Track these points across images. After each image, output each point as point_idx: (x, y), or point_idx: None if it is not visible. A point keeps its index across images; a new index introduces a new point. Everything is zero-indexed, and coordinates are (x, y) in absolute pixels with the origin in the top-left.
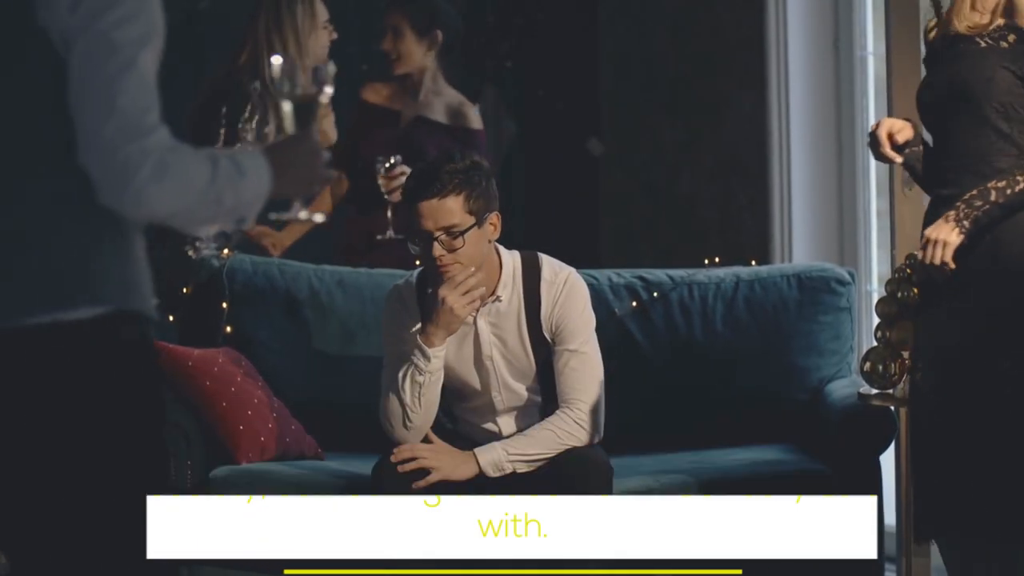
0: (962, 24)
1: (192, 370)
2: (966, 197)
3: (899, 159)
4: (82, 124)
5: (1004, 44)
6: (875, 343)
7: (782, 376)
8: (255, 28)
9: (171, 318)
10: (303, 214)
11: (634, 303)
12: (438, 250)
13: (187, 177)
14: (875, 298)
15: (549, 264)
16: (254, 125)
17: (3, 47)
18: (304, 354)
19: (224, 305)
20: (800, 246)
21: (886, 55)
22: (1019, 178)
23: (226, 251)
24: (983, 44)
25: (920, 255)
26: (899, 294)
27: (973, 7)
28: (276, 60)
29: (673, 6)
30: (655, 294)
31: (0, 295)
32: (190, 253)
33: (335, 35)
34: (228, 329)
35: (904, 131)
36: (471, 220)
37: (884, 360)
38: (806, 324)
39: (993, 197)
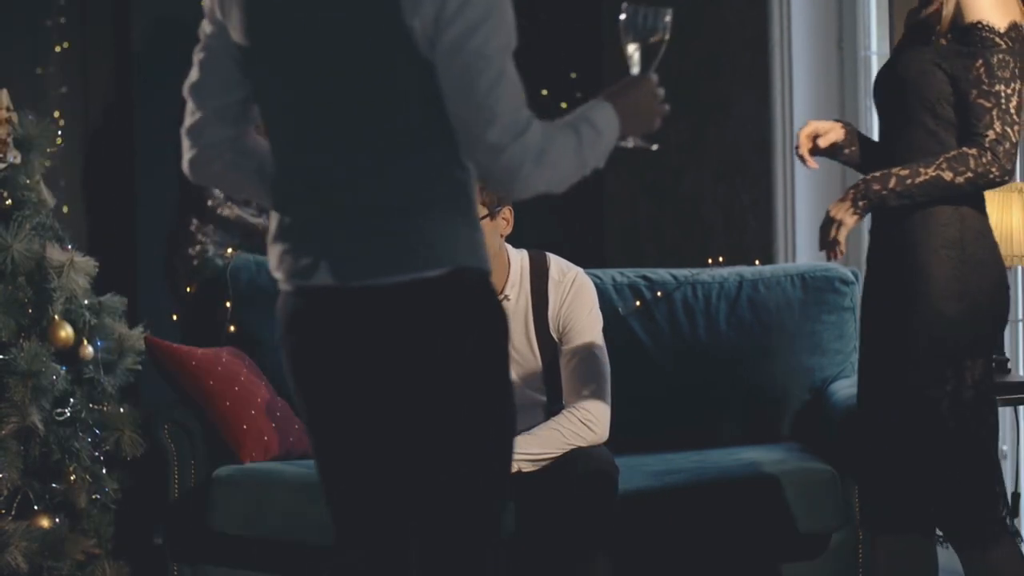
0: (911, 19)
1: (196, 369)
2: (867, 178)
3: (813, 165)
4: (466, 129)
5: (943, 41)
6: None
7: (785, 376)
8: None
9: (175, 317)
10: (629, 143)
11: (638, 303)
12: None
13: (560, 156)
14: None
15: (557, 264)
16: None
17: (374, 42)
18: None
19: (228, 304)
20: (803, 246)
21: (890, 55)
22: (921, 170)
23: (230, 250)
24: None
25: (821, 226)
26: None
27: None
28: (625, 6)
29: (677, 6)
30: (659, 294)
31: (382, 256)
32: (193, 253)
33: None
34: (232, 328)
35: (831, 133)
36: (483, 211)
37: None
38: (809, 324)
39: (892, 184)
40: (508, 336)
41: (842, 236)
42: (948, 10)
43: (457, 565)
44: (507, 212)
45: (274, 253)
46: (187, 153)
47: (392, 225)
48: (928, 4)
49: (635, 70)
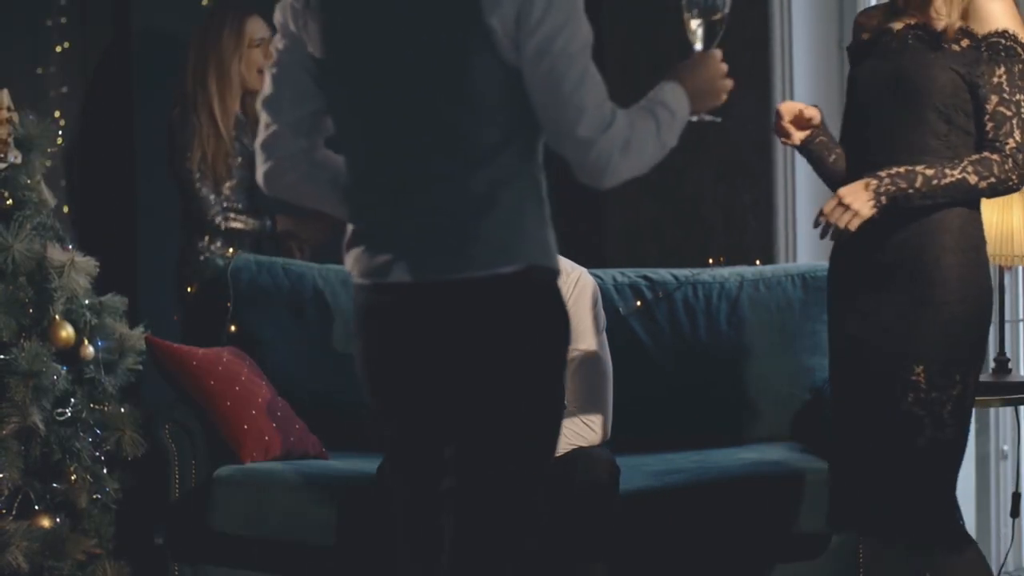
0: (940, 22)
1: (196, 369)
2: (892, 171)
3: (798, 137)
4: (555, 126)
5: (956, 47)
6: None
7: (786, 376)
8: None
9: (176, 317)
10: (694, 117)
11: (639, 303)
12: None
13: (643, 142)
14: None
15: (561, 263)
16: None
17: (453, 44)
18: (308, 353)
19: (229, 304)
20: (804, 246)
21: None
22: (947, 172)
23: (231, 250)
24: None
25: (827, 209)
26: None
27: (937, 8)
28: None
29: (678, 6)
30: (660, 294)
31: (455, 253)
32: (195, 253)
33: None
34: (233, 328)
35: (812, 111)
36: None
37: None
38: (810, 324)
39: (919, 183)
40: (570, 333)
41: (854, 226)
42: (954, 18)
43: (497, 540)
44: None
45: (350, 257)
46: (262, 166)
47: (465, 224)
48: (902, 13)
49: (698, 46)
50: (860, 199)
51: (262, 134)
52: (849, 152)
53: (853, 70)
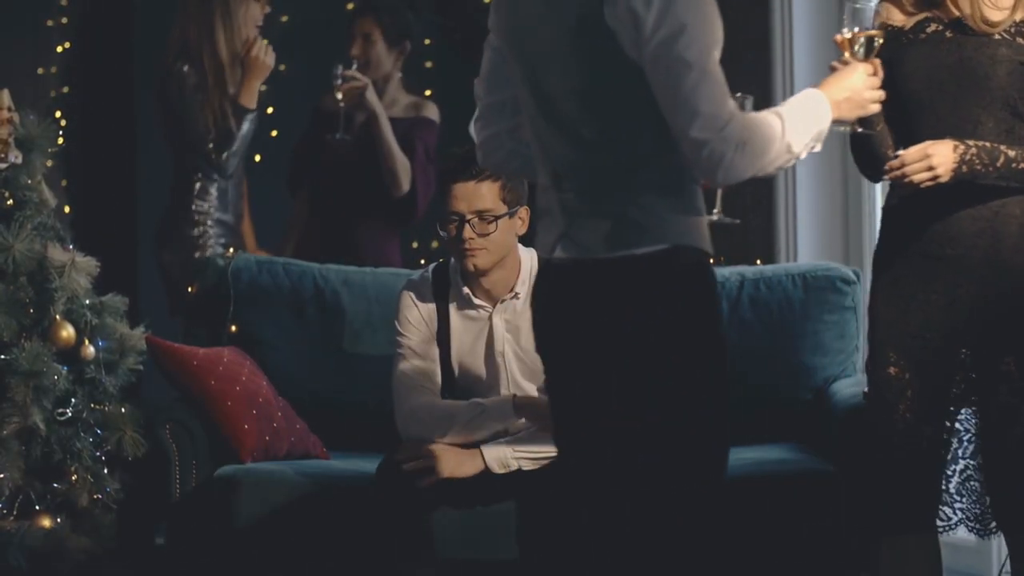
0: (995, 16)
1: (197, 369)
2: (982, 144)
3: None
4: (675, 123)
5: (1021, 40)
6: None
7: (787, 375)
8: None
9: (176, 317)
10: (845, 128)
11: None
12: (468, 232)
13: (763, 143)
14: None
15: None
16: None
17: (582, 42)
18: (309, 353)
19: (229, 304)
20: (805, 245)
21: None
22: None
23: (231, 250)
24: (997, 37)
25: (909, 159)
26: None
27: (994, 2)
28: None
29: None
30: None
31: (605, 233)
32: (196, 253)
33: (268, 8)
34: (233, 328)
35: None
36: (504, 208)
37: None
38: (811, 323)
39: (1000, 162)
40: (720, 313)
41: (925, 186)
42: (1021, 12)
43: (678, 511)
44: (523, 212)
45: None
46: (477, 142)
47: (613, 206)
48: (939, 3)
49: (847, 57)
50: (946, 162)
51: (476, 113)
52: (894, 143)
53: (892, 58)
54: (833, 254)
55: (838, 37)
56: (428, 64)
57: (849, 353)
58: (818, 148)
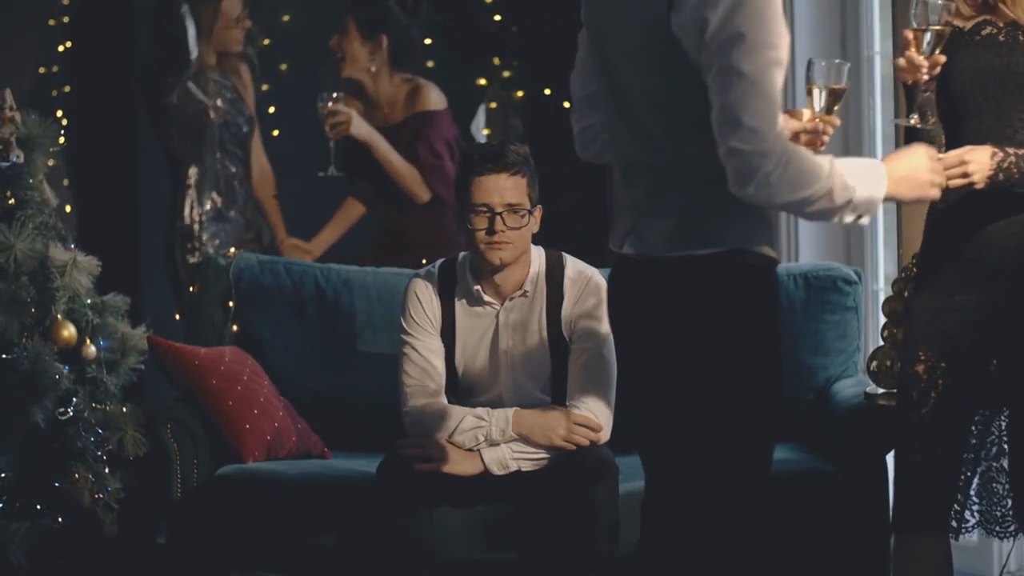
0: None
1: (199, 369)
2: (1022, 153)
3: (925, 73)
4: (719, 129)
5: None
6: (881, 342)
7: (788, 375)
8: None
9: (178, 317)
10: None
11: None
12: (500, 224)
13: (804, 175)
14: (881, 297)
15: (573, 263)
16: None
17: (649, 46)
18: (310, 353)
19: (231, 304)
20: (806, 245)
21: (893, 54)
22: None
23: (232, 250)
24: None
25: (945, 163)
26: (906, 293)
27: None
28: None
29: None
30: None
31: (667, 233)
32: (196, 253)
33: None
34: (234, 328)
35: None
36: (529, 204)
37: (890, 359)
38: (812, 323)
39: None
40: (778, 317)
41: (960, 187)
42: None
43: (728, 507)
44: (538, 212)
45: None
46: (573, 133)
47: (676, 207)
48: (993, 8)
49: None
50: (982, 168)
51: (570, 106)
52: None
53: (950, 57)
54: (835, 254)
55: (908, 33)
56: (428, 64)
57: (850, 353)
58: (865, 221)
